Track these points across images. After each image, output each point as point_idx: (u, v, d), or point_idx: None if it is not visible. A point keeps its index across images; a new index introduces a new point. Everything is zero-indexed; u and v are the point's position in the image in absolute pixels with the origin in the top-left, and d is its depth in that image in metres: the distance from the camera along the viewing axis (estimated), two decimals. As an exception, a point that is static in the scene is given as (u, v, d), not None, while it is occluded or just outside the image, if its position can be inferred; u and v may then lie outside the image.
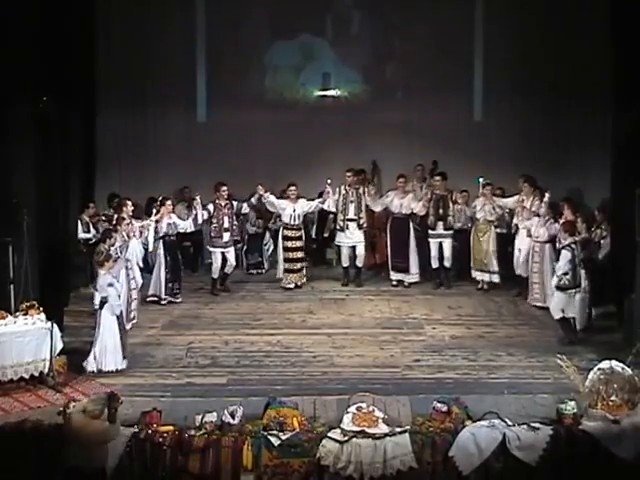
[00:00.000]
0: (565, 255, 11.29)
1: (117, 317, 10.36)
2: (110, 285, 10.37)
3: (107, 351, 10.29)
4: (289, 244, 13.96)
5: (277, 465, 8.40)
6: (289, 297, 13.61)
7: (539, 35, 15.38)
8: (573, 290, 11.28)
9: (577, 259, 11.31)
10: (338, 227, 14.23)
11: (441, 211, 13.86)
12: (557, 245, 11.98)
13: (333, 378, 10.18)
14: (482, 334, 11.84)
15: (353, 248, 14.16)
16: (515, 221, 13.46)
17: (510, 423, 8.62)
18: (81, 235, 14.02)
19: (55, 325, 10.12)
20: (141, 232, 12.54)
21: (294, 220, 13.91)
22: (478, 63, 16.08)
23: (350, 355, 10.94)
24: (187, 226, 13.44)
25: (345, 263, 14.29)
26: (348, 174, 14.06)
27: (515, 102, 15.68)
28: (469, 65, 16.09)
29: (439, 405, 8.89)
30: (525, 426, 8.58)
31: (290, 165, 15.07)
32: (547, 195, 12.90)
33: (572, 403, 8.79)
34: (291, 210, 13.85)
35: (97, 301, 10.38)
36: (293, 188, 13.88)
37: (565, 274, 11.26)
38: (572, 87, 15.41)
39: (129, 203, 12.61)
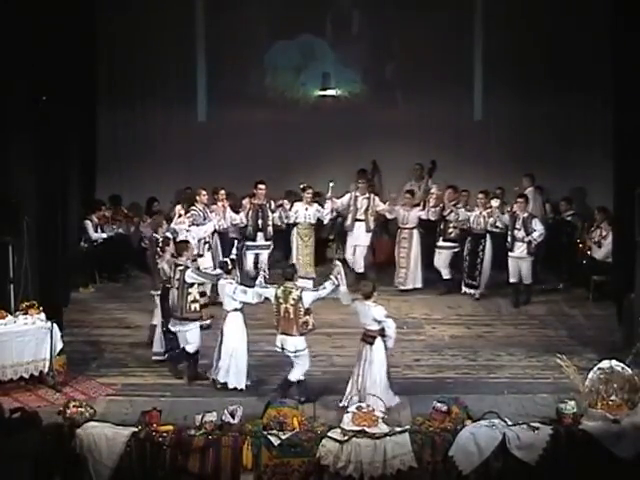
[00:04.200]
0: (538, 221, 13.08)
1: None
2: (388, 316, 9.50)
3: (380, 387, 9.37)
4: None
5: (277, 465, 8.41)
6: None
7: (539, 35, 15.35)
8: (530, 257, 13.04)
9: None
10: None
11: (260, 221, 13.38)
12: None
13: (333, 378, 10.18)
14: (482, 334, 11.86)
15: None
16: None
17: (510, 423, 8.63)
18: (94, 236, 14.14)
19: (55, 325, 10.13)
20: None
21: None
22: (478, 63, 16.06)
23: (350, 355, 10.92)
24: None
25: None
26: (204, 192, 12.94)
27: (515, 102, 15.67)
28: (469, 65, 16.07)
29: (439, 405, 8.90)
30: (525, 426, 8.59)
31: (290, 165, 15.07)
32: (434, 187, 13.85)
33: (572, 403, 8.79)
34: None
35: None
36: (181, 213, 12.28)
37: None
38: (573, 87, 15.39)
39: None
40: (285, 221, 13.62)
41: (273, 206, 13.49)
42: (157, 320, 10.88)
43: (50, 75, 11.24)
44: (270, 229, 13.45)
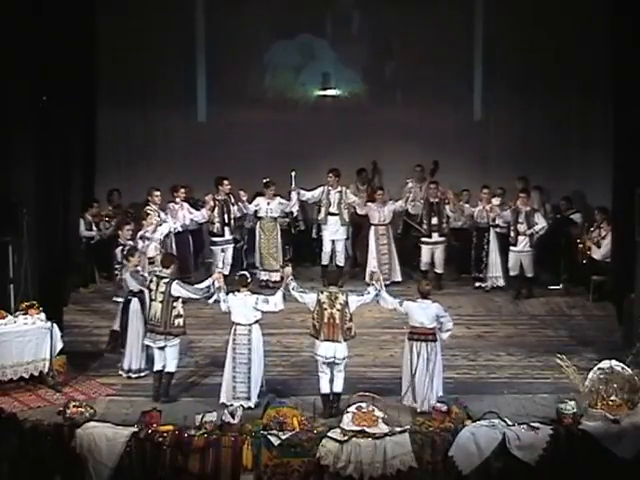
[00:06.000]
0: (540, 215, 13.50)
1: None
2: (446, 310, 9.58)
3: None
4: None
5: (277, 465, 8.42)
6: (289, 296, 13.51)
7: (539, 35, 15.33)
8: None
9: None
10: None
11: (226, 217, 13.50)
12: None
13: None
14: (482, 334, 11.86)
15: None
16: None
17: (510, 423, 8.64)
18: (84, 233, 14.06)
19: (55, 325, 10.13)
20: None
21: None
22: (478, 63, 16.04)
23: (350, 355, 10.91)
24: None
25: None
26: (157, 193, 13.04)
27: (515, 102, 15.67)
28: (469, 65, 16.05)
29: (439, 405, 8.91)
30: (525, 426, 8.61)
31: (290, 165, 15.01)
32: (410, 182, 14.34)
33: (572, 403, 8.80)
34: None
35: None
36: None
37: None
38: (572, 87, 15.39)
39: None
40: (244, 211, 13.83)
41: (233, 200, 13.68)
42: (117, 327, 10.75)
43: (50, 75, 11.24)
44: (233, 223, 13.71)
